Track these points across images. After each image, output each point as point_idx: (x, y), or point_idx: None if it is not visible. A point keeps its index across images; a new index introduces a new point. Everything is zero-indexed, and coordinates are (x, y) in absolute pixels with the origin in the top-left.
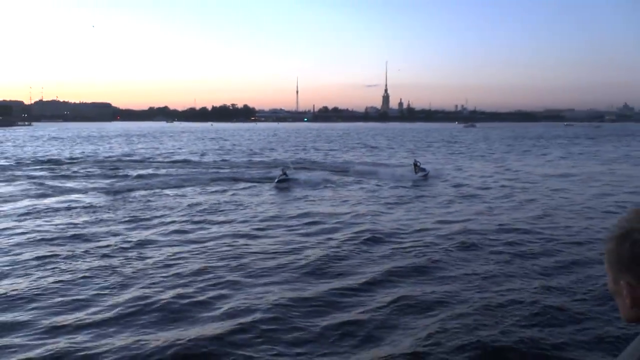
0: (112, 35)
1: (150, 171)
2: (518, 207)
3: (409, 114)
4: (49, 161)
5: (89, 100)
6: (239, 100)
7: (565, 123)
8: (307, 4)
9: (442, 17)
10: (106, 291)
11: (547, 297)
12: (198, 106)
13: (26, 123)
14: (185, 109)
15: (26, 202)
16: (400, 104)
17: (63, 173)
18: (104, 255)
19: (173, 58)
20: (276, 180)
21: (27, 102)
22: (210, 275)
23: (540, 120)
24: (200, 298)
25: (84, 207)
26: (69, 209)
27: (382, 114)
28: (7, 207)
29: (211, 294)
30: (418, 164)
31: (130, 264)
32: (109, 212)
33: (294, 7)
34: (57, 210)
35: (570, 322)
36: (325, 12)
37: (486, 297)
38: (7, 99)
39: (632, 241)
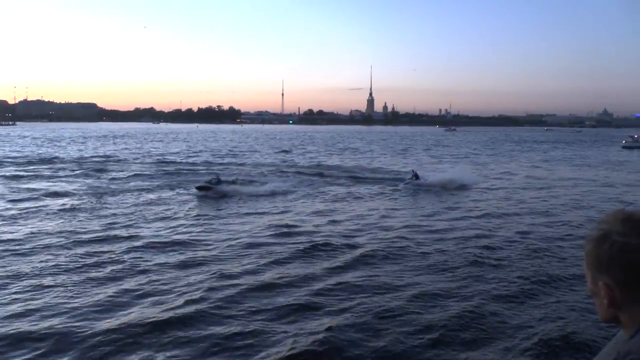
0: (97, 36)
1: (128, 173)
2: (482, 205)
3: (393, 118)
4: (29, 162)
5: (74, 101)
6: (224, 102)
7: (546, 128)
8: (293, 7)
9: (427, 22)
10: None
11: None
12: (184, 107)
13: (10, 123)
14: (171, 110)
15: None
16: (385, 107)
17: (43, 173)
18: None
19: (159, 59)
20: (196, 186)
21: (10, 101)
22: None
23: (522, 124)
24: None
25: (53, 210)
26: (39, 211)
27: (366, 117)
28: None
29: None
30: (416, 173)
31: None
32: (79, 215)
33: (281, 11)
34: (28, 212)
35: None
36: (311, 16)
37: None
38: None
39: (610, 243)
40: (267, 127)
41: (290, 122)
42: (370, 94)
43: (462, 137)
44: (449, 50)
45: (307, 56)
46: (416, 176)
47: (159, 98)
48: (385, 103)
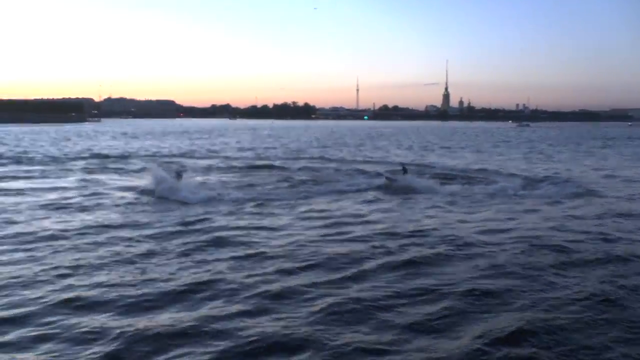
0: (176, 35)
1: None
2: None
3: (469, 113)
4: (106, 156)
5: (153, 98)
6: (299, 98)
7: (630, 123)
8: (367, 2)
9: (503, 15)
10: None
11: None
12: (259, 104)
13: (95, 119)
14: (247, 106)
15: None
16: (461, 102)
17: (117, 166)
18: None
19: (235, 57)
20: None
21: (96, 99)
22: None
23: (604, 120)
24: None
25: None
26: (94, 205)
27: (442, 112)
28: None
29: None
30: (405, 168)
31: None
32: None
33: (354, 6)
34: (84, 205)
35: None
36: (385, 10)
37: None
38: (79, 96)
39: None
40: (341, 122)
41: (365, 117)
42: (446, 89)
43: (534, 135)
44: (526, 43)
45: (383, 51)
46: (404, 171)
47: (234, 95)
48: (461, 98)
